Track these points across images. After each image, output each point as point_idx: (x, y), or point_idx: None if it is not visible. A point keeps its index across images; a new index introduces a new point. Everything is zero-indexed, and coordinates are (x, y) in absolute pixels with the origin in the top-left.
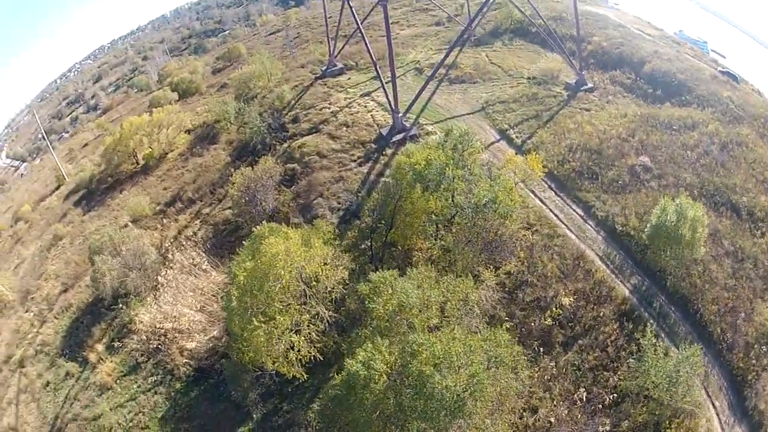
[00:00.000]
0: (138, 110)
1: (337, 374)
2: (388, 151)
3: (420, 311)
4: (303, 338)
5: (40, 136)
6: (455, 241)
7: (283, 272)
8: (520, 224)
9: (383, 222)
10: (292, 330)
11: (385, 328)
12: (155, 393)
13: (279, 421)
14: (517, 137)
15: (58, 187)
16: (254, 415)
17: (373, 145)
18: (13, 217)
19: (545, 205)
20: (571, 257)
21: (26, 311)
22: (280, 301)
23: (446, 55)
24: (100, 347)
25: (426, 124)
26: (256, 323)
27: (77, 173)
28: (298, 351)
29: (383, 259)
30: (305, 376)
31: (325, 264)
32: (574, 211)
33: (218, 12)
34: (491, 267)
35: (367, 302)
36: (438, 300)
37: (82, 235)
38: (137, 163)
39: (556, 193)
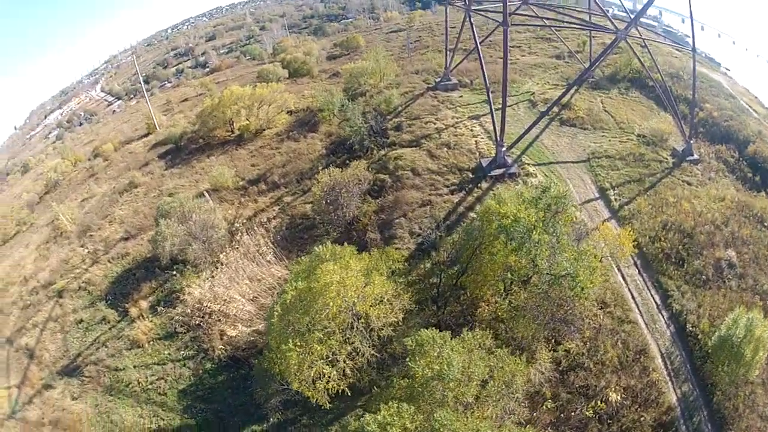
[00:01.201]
0: (246, 78)
1: (360, 416)
2: (484, 185)
3: (459, 384)
4: (336, 371)
5: (139, 79)
6: (524, 306)
7: (332, 304)
8: (594, 301)
9: (458, 263)
10: (327, 359)
11: (417, 392)
12: (183, 365)
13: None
14: (615, 200)
15: (146, 135)
16: (271, 419)
17: (470, 174)
18: (93, 152)
19: (625, 282)
20: (635, 349)
21: (81, 246)
22: (323, 329)
23: (563, 95)
24: (143, 304)
25: (528, 164)
26: (291, 345)
27: (169, 126)
28: (328, 381)
29: (448, 302)
30: (328, 405)
31: (381, 302)
32: (652, 296)
33: None
34: (552, 341)
35: (408, 359)
36: (481, 376)
37: (159, 189)
38: (232, 132)
39: (639, 272)
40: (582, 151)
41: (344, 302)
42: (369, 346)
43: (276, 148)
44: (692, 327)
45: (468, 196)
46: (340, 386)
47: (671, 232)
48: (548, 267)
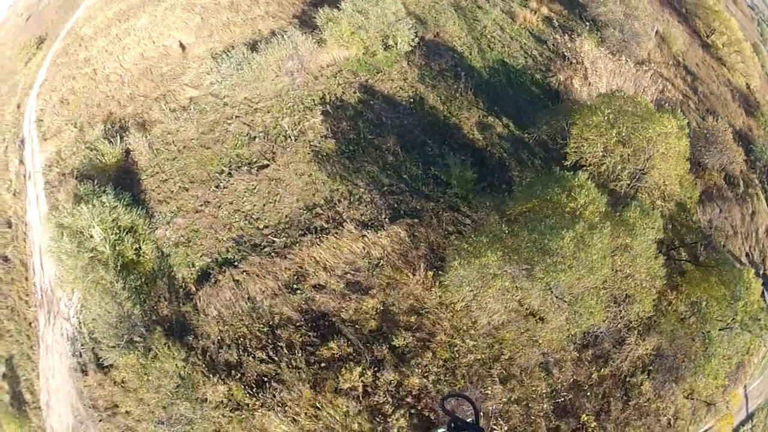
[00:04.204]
0: None
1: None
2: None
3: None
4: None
5: None
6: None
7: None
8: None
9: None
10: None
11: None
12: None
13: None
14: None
15: None
16: (527, 138)
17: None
18: None
19: None
20: None
21: None
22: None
23: None
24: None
25: None
26: (600, 111)
27: None
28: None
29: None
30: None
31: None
32: None
33: None
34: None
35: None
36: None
37: None
38: (707, 36)
39: None
40: None
41: (647, 134)
42: (627, 178)
43: (716, 77)
44: None
45: None
46: (587, 169)
47: None
48: (716, 334)
